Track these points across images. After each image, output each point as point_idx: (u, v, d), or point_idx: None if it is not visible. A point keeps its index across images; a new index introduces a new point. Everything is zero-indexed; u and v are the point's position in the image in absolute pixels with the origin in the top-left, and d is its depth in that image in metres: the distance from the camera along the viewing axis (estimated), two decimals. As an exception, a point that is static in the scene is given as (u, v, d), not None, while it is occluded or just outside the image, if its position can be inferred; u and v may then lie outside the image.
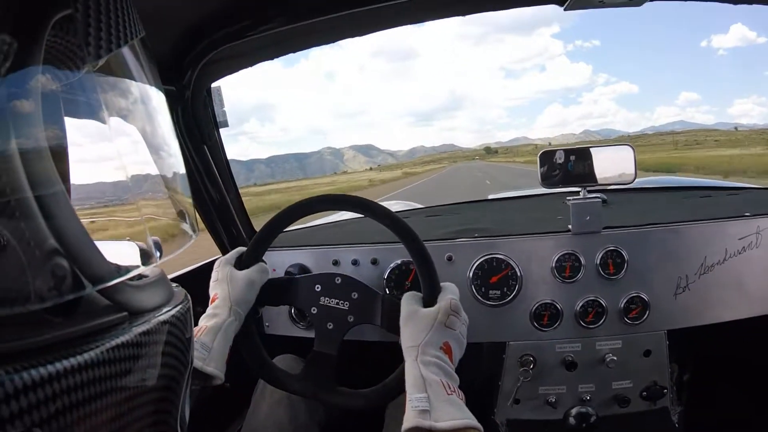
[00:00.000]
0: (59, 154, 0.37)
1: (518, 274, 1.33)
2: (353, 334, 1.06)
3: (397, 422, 1.15)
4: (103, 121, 0.41)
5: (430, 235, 1.43)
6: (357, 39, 1.27)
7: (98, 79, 0.39)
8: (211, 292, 1.06)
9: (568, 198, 1.33)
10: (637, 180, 1.34)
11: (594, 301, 1.31)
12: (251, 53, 1.25)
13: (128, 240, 0.43)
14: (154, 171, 0.46)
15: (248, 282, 1.05)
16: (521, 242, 1.36)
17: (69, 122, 0.39)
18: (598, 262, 1.30)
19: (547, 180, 1.33)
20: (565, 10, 1.14)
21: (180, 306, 0.46)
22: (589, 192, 1.33)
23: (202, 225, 1.58)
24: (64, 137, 0.39)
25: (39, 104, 0.34)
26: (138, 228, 0.42)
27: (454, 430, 0.74)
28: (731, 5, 1.20)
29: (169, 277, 1.34)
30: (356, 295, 1.06)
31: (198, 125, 1.32)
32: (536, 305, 1.33)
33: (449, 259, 1.37)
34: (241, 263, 1.10)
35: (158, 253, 0.43)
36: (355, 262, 1.44)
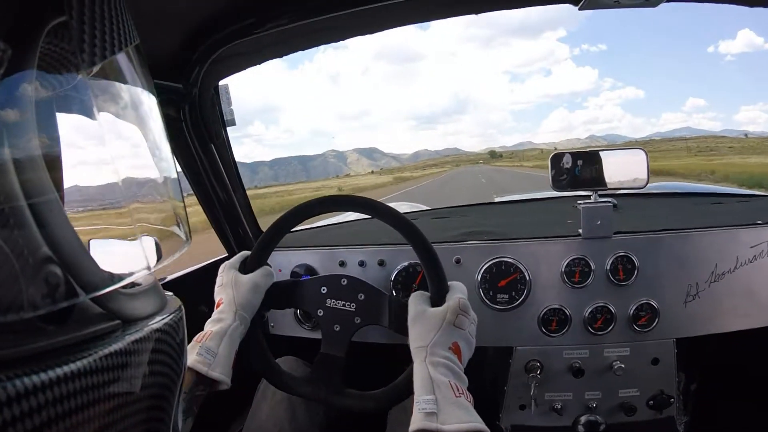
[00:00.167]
0: (52, 161, 0.37)
1: (527, 278, 1.32)
2: (359, 335, 1.05)
3: (400, 424, 1.15)
4: (96, 128, 0.41)
5: (437, 237, 1.42)
6: (361, 41, 1.26)
7: (91, 85, 0.38)
8: (216, 297, 1.05)
9: (578, 202, 1.32)
10: (648, 185, 1.32)
11: (603, 308, 1.29)
12: (259, 51, 1.24)
13: (121, 248, 0.43)
14: (146, 178, 0.46)
15: (253, 286, 1.04)
16: (530, 246, 1.34)
17: (62, 128, 0.39)
18: (608, 267, 1.29)
19: (556, 183, 1.31)
20: (579, 9, 1.12)
21: (173, 314, 0.46)
22: (601, 196, 1.31)
23: (200, 228, 1.57)
24: (58, 144, 0.39)
25: (33, 111, 0.33)
26: (131, 235, 0.42)
27: None
28: (744, 7, 1.17)
29: (175, 275, 1.34)
30: (363, 297, 1.05)
31: (205, 123, 1.31)
32: (544, 310, 1.31)
33: (457, 261, 1.36)
34: (245, 267, 1.08)
35: (151, 261, 0.43)
36: (362, 264, 1.43)
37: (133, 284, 0.44)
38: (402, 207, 2.44)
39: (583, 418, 1.32)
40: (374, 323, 1.03)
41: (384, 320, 1.02)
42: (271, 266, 1.11)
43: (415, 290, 1.32)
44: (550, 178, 1.31)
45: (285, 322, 1.50)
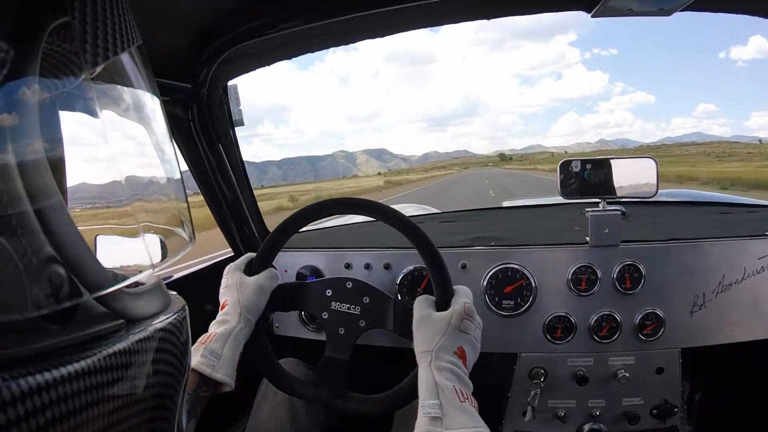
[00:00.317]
0: (56, 163, 0.37)
1: (533, 284, 1.32)
2: (364, 338, 1.05)
3: (406, 426, 1.14)
4: (99, 128, 0.41)
5: (444, 242, 1.41)
6: (372, 43, 1.25)
7: (94, 86, 0.38)
8: (221, 299, 1.05)
9: (587, 209, 1.31)
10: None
11: (609, 316, 1.29)
12: (268, 52, 1.23)
13: (125, 248, 0.43)
14: (149, 178, 0.45)
15: (258, 288, 1.04)
16: (537, 252, 1.34)
17: (65, 129, 0.39)
18: (615, 276, 1.28)
19: (565, 189, 1.31)
20: (592, 16, 1.11)
21: (177, 314, 0.46)
22: (609, 204, 1.31)
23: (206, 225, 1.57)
24: (61, 145, 0.39)
25: (36, 113, 0.33)
26: (135, 235, 0.42)
27: None
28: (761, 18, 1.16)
29: (181, 275, 1.34)
30: (367, 300, 1.04)
31: (213, 123, 1.31)
32: (550, 317, 1.31)
33: (463, 267, 1.36)
34: (250, 269, 1.08)
35: (155, 261, 0.43)
36: (367, 266, 1.43)
37: (137, 284, 0.44)
38: (409, 210, 2.43)
39: (586, 427, 1.32)
40: (379, 327, 1.03)
41: (389, 324, 1.02)
42: (276, 268, 1.10)
43: (421, 294, 1.32)
44: (559, 184, 1.31)
45: (290, 323, 1.50)
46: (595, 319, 1.29)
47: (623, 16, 1.12)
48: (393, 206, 1.06)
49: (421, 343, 0.87)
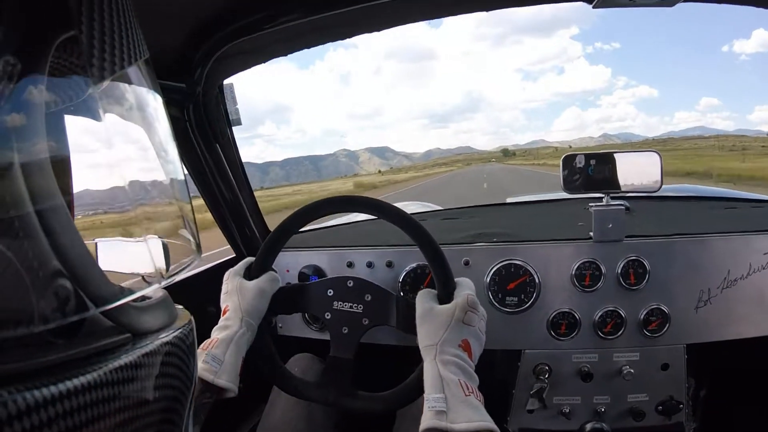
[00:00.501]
0: (62, 173, 0.37)
1: (536, 281, 1.31)
2: (368, 337, 1.04)
3: (406, 419, 1.14)
4: (103, 138, 0.41)
5: (446, 239, 1.41)
6: (372, 40, 1.24)
7: (99, 94, 0.39)
8: (222, 305, 1.04)
9: (590, 204, 1.30)
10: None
11: (613, 312, 1.28)
12: (264, 48, 1.21)
13: (131, 261, 0.44)
14: (156, 191, 0.46)
15: (258, 292, 1.03)
16: (540, 248, 1.33)
17: (70, 139, 0.40)
18: (619, 271, 1.27)
19: (568, 185, 1.29)
20: (593, 7, 1.09)
21: (183, 327, 0.46)
22: (613, 199, 1.29)
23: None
24: (67, 156, 0.40)
25: (42, 125, 0.33)
26: (141, 249, 0.42)
27: None
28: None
29: (185, 276, 1.34)
30: (369, 297, 1.04)
31: (210, 123, 1.30)
32: (554, 314, 1.30)
33: (466, 263, 1.35)
34: (250, 274, 1.08)
35: (161, 275, 0.43)
36: (369, 265, 1.42)
37: (143, 297, 0.44)
38: (411, 207, 2.42)
39: (588, 426, 1.31)
40: (382, 324, 1.02)
41: (392, 320, 1.01)
42: (276, 271, 1.10)
43: None
44: (562, 179, 1.29)
45: (293, 323, 1.50)
46: (599, 315, 1.28)
47: (624, 6, 1.10)
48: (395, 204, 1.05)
49: (425, 337, 0.87)
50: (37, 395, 0.28)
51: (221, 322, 1.00)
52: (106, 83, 0.37)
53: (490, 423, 0.74)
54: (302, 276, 1.46)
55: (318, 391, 1.02)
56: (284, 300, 1.08)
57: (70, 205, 0.39)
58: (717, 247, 1.26)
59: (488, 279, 1.33)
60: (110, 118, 0.41)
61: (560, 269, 1.30)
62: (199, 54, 1.14)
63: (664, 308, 1.26)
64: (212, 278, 1.21)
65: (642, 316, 1.27)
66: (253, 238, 1.54)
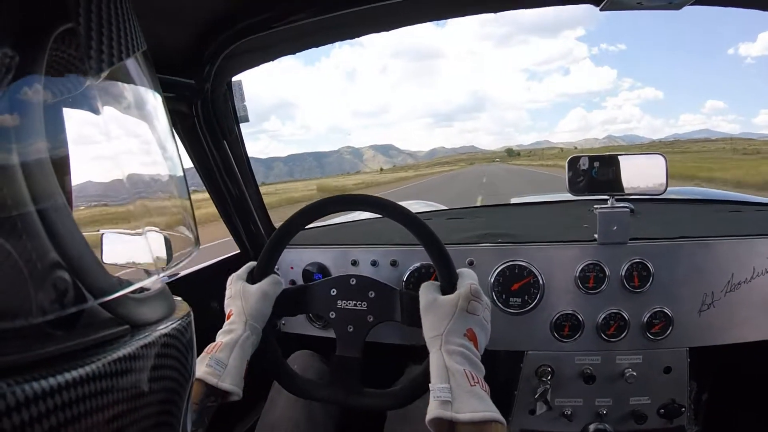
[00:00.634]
0: (60, 166, 0.37)
1: (540, 282, 1.31)
2: (373, 335, 1.04)
3: (396, 418, 1.15)
4: (103, 131, 0.41)
5: (451, 239, 1.41)
6: (378, 38, 1.24)
7: (98, 88, 0.39)
8: (226, 309, 1.04)
9: (595, 206, 1.30)
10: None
11: (617, 314, 1.28)
12: (272, 47, 1.22)
13: (130, 252, 0.43)
14: (154, 184, 0.46)
15: (262, 295, 1.02)
16: (545, 250, 1.33)
17: (69, 132, 0.40)
18: (623, 273, 1.27)
19: (573, 186, 1.29)
20: (600, 10, 1.09)
21: (182, 319, 0.46)
22: (618, 201, 1.29)
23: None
24: (66, 149, 0.39)
25: (41, 117, 0.33)
26: (139, 240, 0.42)
27: (475, 422, 0.72)
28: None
29: (188, 271, 1.35)
30: (373, 294, 1.04)
31: (218, 119, 1.30)
32: (557, 315, 1.30)
33: (470, 263, 1.35)
34: (253, 277, 1.08)
35: (160, 266, 0.43)
36: (374, 263, 1.43)
37: (141, 289, 0.44)
38: (416, 206, 2.42)
39: (591, 427, 1.31)
40: (387, 320, 1.02)
41: (396, 315, 1.01)
42: (279, 274, 1.09)
43: None
44: (567, 180, 1.29)
45: (296, 321, 1.50)
46: (602, 317, 1.28)
47: (632, 9, 1.10)
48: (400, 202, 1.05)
49: (430, 328, 0.87)
50: (35, 387, 0.28)
51: (225, 326, 1.00)
52: (104, 75, 0.37)
53: (495, 413, 0.74)
54: (306, 274, 1.47)
55: (327, 390, 1.02)
56: (288, 302, 1.08)
57: (69, 198, 0.39)
58: (721, 251, 1.26)
59: (492, 279, 1.33)
60: (108, 112, 0.41)
61: (564, 271, 1.30)
62: (208, 51, 1.15)
63: (668, 311, 1.26)
64: (216, 274, 1.22)
65: (645, 319, 1.26)
66: (258, 234, 1.54)
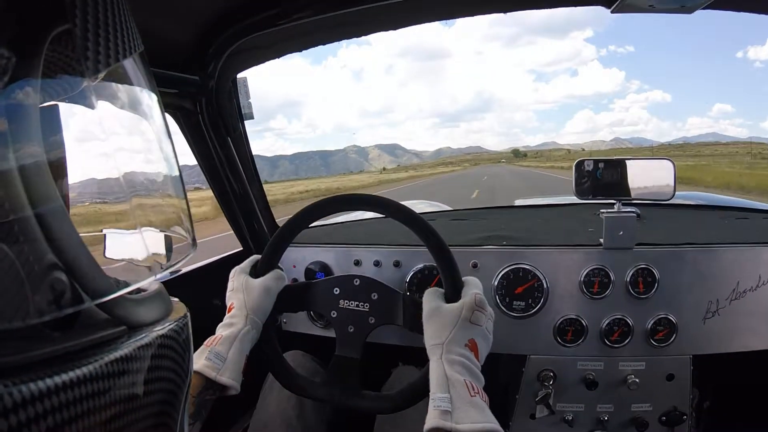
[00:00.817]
0: (57, 167, 0.37)
1: (544, 286, 1.30)
2: (373, 336, 1.04)
3: (385, 420, 1.15)
4: (100, 131, 0.41)
5: (455, 240, 1.40)
6: (385, 37, 1.23)
7: (95, 89, 0.39)
8: (228, 302, 1.04)
9: (601, 210, 1.29)
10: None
11: (620, 320, 1.27)
12: (278, 44, 1.21)
13: (127, 253, 0.43)
14: (152, 186, 0.46)
15: (264, 290, 1.02)
16: (549, 253, 1.32)
17: (66, 133, 0.40)
18: (628, 279, 1.26)
19: (578, 188, 1.29)
20: (612, 12, 1.08)
21: (179, 320, 0.46)
22: (624, 205, 1.28)
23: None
24: (62, 151, 0.39)
25: (38, 119, 0.33)
26: (136, 241, 0.42)
27: None
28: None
29: (190, 268, 1.34)
30: (376, 296, 1.03)
31: (222, 116, 1.30)
32: (561, 320, 1.29)
33: (474, 266, 1.34)
34: (256, 271, 1.07)
35: (157, 267, 0.43)
36: (377, 264, 1.42)
37: (138, 290, 0.44)
38: (420, 206, 2.41)
39: None
40: (389, 323, 1.02)
41: (398, 319, 1.00)
42: (282, 269, 1.09)
43: None
44: (573, 183, 1.29)
45: (298, 320, 1.50)
46: (606, 322, 1.27)
47: (643, 12, 1.09)
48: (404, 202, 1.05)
49: (432, 336, 0.86)
50: (32, 388, 0.28)
51: (226, 319, 0.99)
52: (101, 76, 0.37)
53: (495, 424, 0.73)
54: (309, 272, 1.46)
55: (324, 390, 1.02)
56: (290, 298, 1.08)
57: (66, 198, 0.39)
58: (727, 258, 1.25)
59: (496, 282, 1.32)
60: (104, 111, 0.41)
61: (569, 275, 1.29)
62: (213, 48, 1.14)
63: (672, 318, 1.25)
64: (218, 271, 1.21)
65: (649, 326, 1.25)
66: (261, 232, 1.54)
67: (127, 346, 0.37)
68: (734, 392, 1.52)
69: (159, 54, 1.05)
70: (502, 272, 1.32)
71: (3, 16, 0.31)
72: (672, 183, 1.25)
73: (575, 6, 1.14)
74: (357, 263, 1.43)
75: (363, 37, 1.25)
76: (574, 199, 1.34)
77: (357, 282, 1.05)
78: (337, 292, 1.05)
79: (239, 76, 1.32)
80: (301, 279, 1.47)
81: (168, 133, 0.46)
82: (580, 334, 1.28)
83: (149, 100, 0.45)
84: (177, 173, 0.46)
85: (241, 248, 1.59)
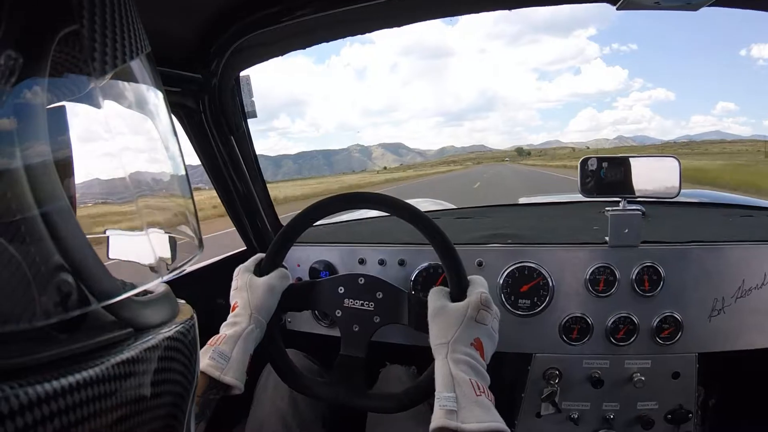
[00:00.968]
0: (64, 168, 0.37)
1: (550, 284, 1.29)
2: (378, 335, 1.03)
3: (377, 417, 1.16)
4: (106, 132, 0.41)
5: (460, 239, 1.40)
6: (388, 36, 1.23)
7: (102, 89, 0.38)
8: (232, 301, 1.03)
9: (607, 208, 1.28)
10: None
11: (626, 318, 1.27)
12: (281, 41, 1.21)
13: (134, 256, 0.43)
14: (158, 187, 0.46)
15: (268, 288, 1.01)
16: (555, 252, 1.31)
17: (72, 134, 0.39)
18: (634, 277, 1.26)
19: (583, 187, 1.28)
20: (617, 9, 1.07)
21: (185, 322, 0.46)
22: (629, 203, 1.27)
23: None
24: (69, 151, 0.39)
25: (45, 119, 0.33)
26: (143, 242, 0.42)
27: None
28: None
29: (195, 267, 1.34)
30: (381, 295, 1.02)
31: (225, 115, 1.29)
32: (566, 318, 1.29)
33: (479, 264, 1.34)
34: (260, 270, 1.06)
35: (163, 269, 0.43)
36: (381, 262, 1.41)
37: (145, 292, 0.44)
38: (424, 204, 2.41)
39: None
40: (394, 322, 1.01)
41: (403, 318, 1.00)
42: (287, 268, 1.08)
43: None
44: (579, 181, 1.28)
45: (302, 319, 1.50)
46: (612, 320, 1.26)
47: (649, 9, 1.08)
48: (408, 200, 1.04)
49: (437, 335, 0.86)
50: (39, 390, 0.28)
51: (230, 318, 0.99)
52: (108, 77, 0.37)
53: (500, 424, 0.73)
54: (313, 271, 1.46)
55: (329, 389, 1.01)
56: (294, 297, 1.07)
57: (72, 200, 0.39)
58: (732, 256, 1.24)
59: (501, 281, 1.32)
60: (110, 111, 0.40)
61: (574, 273, 1.29)
62: (216, 45, 1.13)
63: (678, 316, 1.24)
64: (222, 270, 1.21)
65: (655, 324, 1.25)
66: (265, 231, 1.53)
67: (133, 349, 0.37)
68: (740, 390, 1.52)
69: (161, 52, 1.04)
70: (508, 270, 1.31)
71: (10, 16, 0.31)
72: (678, 181, 1.24)
73: (580, 3, 1.14)
74: (362, 262, 1.42)
75: (366, 36, 1.25)
76: (579, 197, 1.34)
77: (362, 281, 1.04)
78: (341, 291, 1.05)
79: (242, 74, 1.31)
80: (306, 278, 1.46)
81: (174, 133, 0.46)
82: (586, 332, 1.28)
83: (155, 99, 0.44)
84: (183, 173, 0.46)
85: (245, 247, 1.58)
